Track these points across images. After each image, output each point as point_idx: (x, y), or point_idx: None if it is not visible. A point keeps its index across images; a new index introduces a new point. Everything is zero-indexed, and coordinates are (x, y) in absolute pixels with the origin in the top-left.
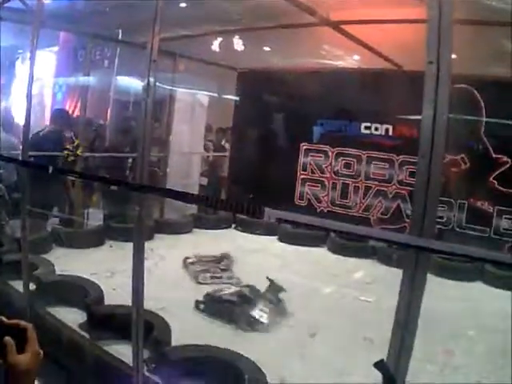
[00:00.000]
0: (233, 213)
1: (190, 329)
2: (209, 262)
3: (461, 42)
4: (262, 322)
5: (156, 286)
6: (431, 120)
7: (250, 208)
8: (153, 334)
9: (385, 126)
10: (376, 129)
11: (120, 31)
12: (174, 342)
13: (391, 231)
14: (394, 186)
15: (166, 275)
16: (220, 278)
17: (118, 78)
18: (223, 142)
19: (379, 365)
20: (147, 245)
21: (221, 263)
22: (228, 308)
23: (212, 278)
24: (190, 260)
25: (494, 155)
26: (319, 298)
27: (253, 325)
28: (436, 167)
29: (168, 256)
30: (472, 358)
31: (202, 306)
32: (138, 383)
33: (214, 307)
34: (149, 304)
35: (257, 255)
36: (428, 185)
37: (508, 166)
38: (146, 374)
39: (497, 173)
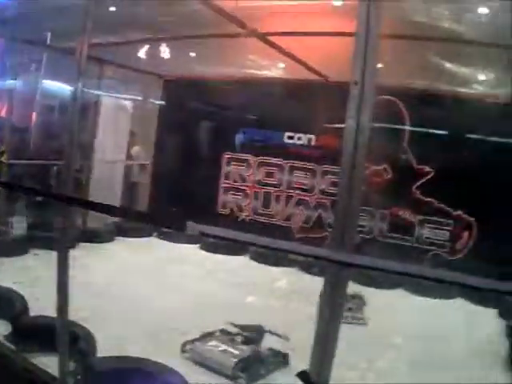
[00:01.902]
0: (156, 226)
1: (114, 338)
2: None
3: (387, 55)
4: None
5: (80, 296)
6: (354, 134)
7: (173, 221)
8: (78, 345)
9: (308, 136)
10: (299, 138)
11: (48, 35)
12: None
13: (313, 240)
14: (315, 196)
15: (90, 284)
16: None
17: (45, 82)
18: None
19: (302, 375)
20: (71, 253)
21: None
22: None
23: None
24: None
25: (416, 165)
26: (241, 307)
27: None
28: (358, 178)
29: (91, 265)
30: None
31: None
32: None
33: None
34: (73, 314)
35: (179, 265)
36: (349, 195)
37: (430, 176)
38: None
39: (419, 183)
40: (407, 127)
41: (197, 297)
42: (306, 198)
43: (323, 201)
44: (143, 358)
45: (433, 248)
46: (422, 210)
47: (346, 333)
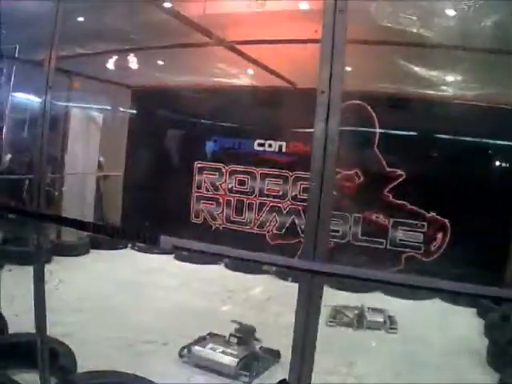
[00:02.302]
0: (130, 241)
1: (93, 352)
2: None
3: (355, 60)
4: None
5: (58, 311)
6: (322, 140)
7: (146, 236)
8: (58, 362)
9: (278, 143)
10: (269, 145)
11: (17, 48)
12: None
13: (287, 246)
14: (288, 202)
15: (67, 298)
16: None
17: (15, 95)
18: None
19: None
20: (46, 268)
21: None
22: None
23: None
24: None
25: (387, 169)
26: (217, 315)
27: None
28: (328, 183)
29: (67, 279)
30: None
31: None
32: None
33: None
34: (52, 330)
35: (155, 275)
36: (320, 200)
37: (402, 179)
38: None
39: (391, 186)
40: (377, 131)
41: (172, 307)
42: (279, 205)
43: (296, 207)
44: (123, 372)
45: (407, 250)
46: (394, 213)
47: (325, 336)
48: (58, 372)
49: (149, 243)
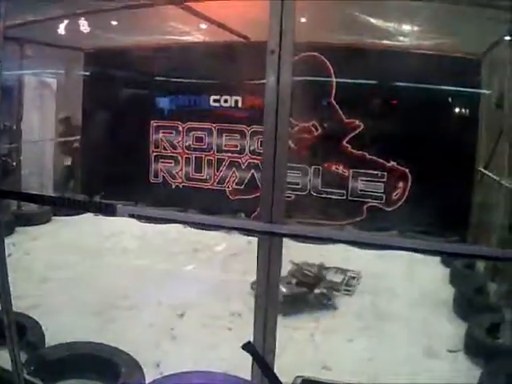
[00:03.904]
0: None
1: (62, 323)
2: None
3: (311, 11)
4: None
5: (23, 283)
6: (274, 89)
7: (103, 206)
8: (26, 337)
9: (234, 98)
10: (225, 101)
11: None
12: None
13: (247, 201)
14: (246, 157)
15: (32, 270)
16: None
17: None
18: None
19: (247, 346)
20: (9, 240)
21: None
22: None
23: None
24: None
25: (345, 120)
26: (182, 275)
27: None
28: (282, 134)
29: (31, 249)
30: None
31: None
32: None
33: None
34: (18, 304)
35: (117, 238)
36: (275, 152)
37: (360, 129)
38: (27, 377)
39: (349, 137)
40: (333, 81)
41: (137, 270)
42: (238, 160)
43: (255, 161)
44: (94, 343)
45: (369, 200)
46: (354, 163)
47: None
48: (27, 347)
49: (105, 213)
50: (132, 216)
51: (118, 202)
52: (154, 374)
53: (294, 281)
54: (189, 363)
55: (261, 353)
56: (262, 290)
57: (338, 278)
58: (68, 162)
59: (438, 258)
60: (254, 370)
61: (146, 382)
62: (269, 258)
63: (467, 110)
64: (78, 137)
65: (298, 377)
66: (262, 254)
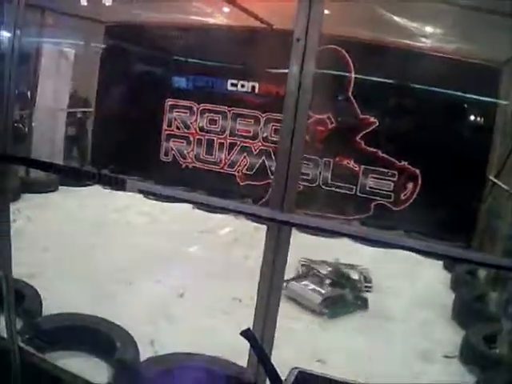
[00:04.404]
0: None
1: (62, 293)
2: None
3: (336, 4)
4: None
5: (25, 251)
6: (297, 79)
7: (113, 179)
8: (24, 304)
9: (251, 84)
10: (242, 86)
11: None
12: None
13: (256, 187)
14: (259, 143)
15: (35, 238)
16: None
17: None
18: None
19: (245, 333)
20: (14, 206)
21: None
22: None
23: None
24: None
25: (361, 115)
26: (185, 256)
27: None
28: (300, 125)
29: (35, 217)
30: None
31: None
32: (15, 355)
33: None
34: (18, 271)
35: (123, 213)
36: (292, 142)
37: (374, 126)
38: (22, 345)
39: (363, 133)
40: (352, 76)
41: (140, 246)
42: (250, 146)
43: (266, 148)
44: (89, 315)
45: (377, 198)
46: (366, 160)
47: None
48: (23, 315)
49: (115, 187)
50: (141, 192)
51: (126, 177)
52: (148, 352)
53: (327, 281)
54: (183, 344)
55: (259, 341)
56: (267, 278)
57: (354, 275)
58: (72, 132)
59: (440, 262)
60: (250, 358)
61: (141, 358)
62: (276, 247)
63: (483, 118)
64: (84, 109)
65: (294, 368)
66: (269, 242)
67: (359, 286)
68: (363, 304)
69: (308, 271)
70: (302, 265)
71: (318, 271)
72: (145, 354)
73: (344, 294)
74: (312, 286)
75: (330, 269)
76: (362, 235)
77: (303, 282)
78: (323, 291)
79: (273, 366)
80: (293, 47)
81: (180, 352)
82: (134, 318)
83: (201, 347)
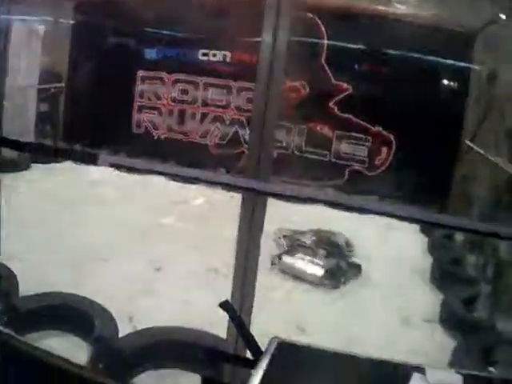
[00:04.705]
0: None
1: (37, 272)
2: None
3: None
4: None
5: None
6: (270, 47)
7: (85, 154)
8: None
9: (223, 53)
10: (214, 55)
11: None
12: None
13: (229, 156)
14: (231, 112)
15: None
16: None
17: None
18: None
19: (223, 305)
20: None
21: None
22: None
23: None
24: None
25: (334, 82)
26: (161, 229)
27: None
28: (274, 92)
29: (7, 196)
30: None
31: None
32: None
33: None
34: None
35: (97, 188)
36: (266, 109)
37: (348, 92)
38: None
39: (336, 99)
40: (325, 42)
41: (115, 221)
42: (222, 115)
43: (239, 117)
44: (67, 293)
45: (351, 163)
46: (339, 125)
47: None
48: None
49: (87, 162)
50: (112, 166)
51: (99, 151)
52: (127, 328)
53: (321, 251)
54: (163, 318)
55: (238, 312)
56: (243, 248)
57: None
58: (45, 108)
59: (417, 226)
60: (229, 329)
61: (120, 335)
62: (251, 216)
63: (457, 83)
64: (55, 84)
65: (274, 338)
66: (244, 212)
67: (347, 253)
68: (358, 271)
69: (292, 242)
70: (284, 236)
71: (304, 242)
72: (124, 330)
73: (340, 263)
74: (308, 258)
75: (314, 238)
76: (339, 202)
77: (298, 255)
78: (322, 263)
79: (252, 336)
80: (265, 15)
81: (158, 326)
82: (111, 295)
83: (180, 320)
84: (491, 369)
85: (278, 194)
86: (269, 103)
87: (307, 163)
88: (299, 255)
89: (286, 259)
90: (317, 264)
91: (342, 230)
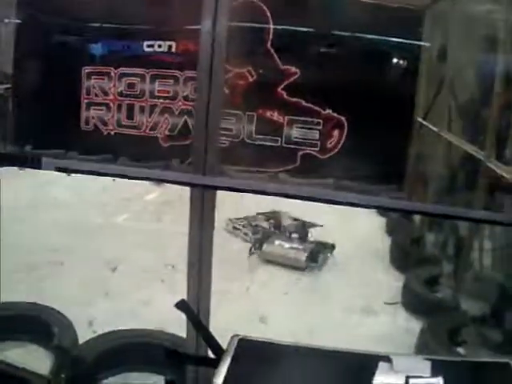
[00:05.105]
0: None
1: None
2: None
3: None
4: None
5: None
6: (210, 34)
7: (28, 159)
8: None
9: (168, 43)
10: (159, 46)
11: None
12: None
13: (181, 147)
14: (179, 103)
15: None
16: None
17: None
18: None
19: (180, 305)
20: None
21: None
22: None
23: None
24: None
25: (281, 66)
26: (114, 227)
27: None
28: (217, 81)
29: None
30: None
31: None
32: None
33: None
34: None
35: (48, 187)
36: (209, 99)
37: (296, 76)
38: None
39: (285, 83)
40: (271, 27)
41: (69, 222)
42: (170, 106)
43: (187, 107)
44: (25, 303)
45: (303, 148)
46: (289, 110)
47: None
48: None
49: (31, 166)
50: (58, 170)
51: (48, 152)
52: (87, 333)
53: (294, 235)
54: (123, 320)
55: (195, 310)
56: (195, 244)
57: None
58: None
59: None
60: (188, 327)
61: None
62: (202, 211)
63: (407, 61)
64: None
65: (235, 336)
66: (194, 207)
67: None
68: (332, 249)
69: (246, 226)
70: (235, 228)
71: (262, 226)
72: (84, 335)
73: (316, 245)
74: (288, 245)
75: (272, 221)
76: (290, 192)
77: (276, 242)
78: (301, 247)
79: (211, 335)
80: (204, 2)
81: (119, 330)
82: (69, 300)
83: (140, 321)
84: (459, 349)
85: (226, 187)
86: (212, 92)
87: (259, 150)
88: (278, 242)
89: (267, 248)
90: (296, 248)
91: (295, 211)
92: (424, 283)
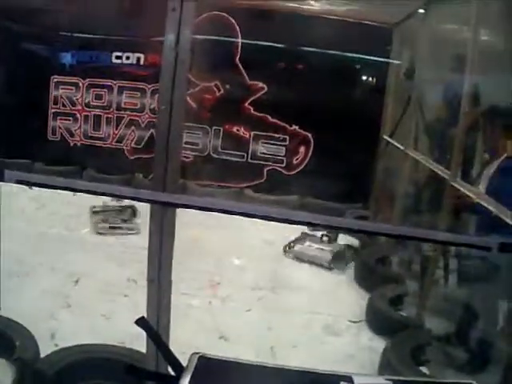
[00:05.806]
0: None
1: None
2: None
3: None
4: None
5: None
6: (173, 48)
7: None
8: None
9: (136, 55)
10: (127, 58)
11: None
12: None
13: (146, 160)
14: (146, 115)
15: None
16: (120, 228)
17: None
18: None
19: (140, 322)
20: None
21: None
22: None
23: (111, 228)
24: (95, 209)
25: (249, 81)
26: (77, 240)
27: None
28: (179, 96)
29: None
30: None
31: None
32: None
33: None
34: None
35: (12, 199)
36: (171, 113)
37: (263, 92)
38: None
39: (252, 99)
40: (239, 42)
41: (33, 234)
42: (137, 118)
43: (154, 120)
44: None
45: (269, 163)
46: (256, 126)
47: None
48: None
49: None
50: (19, 182)
51: (13, 161)
52: (48, 346)
53: (324, 238)
54: (84, 333)
55: (155, 327)
56: (155, 261)
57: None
58: None
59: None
60: (148, 343)
61: (41, 354)
62: (161, 228)
63: (375, 79)
64: None
65: (195, 353)
66: (154, 223)
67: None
68: (355, 252)
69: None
70: None
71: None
72: (46, 349)
73: (341, 247)
74: (316, 246)
75: None
76: (250, 212)
77: (307, 243)
78: (328, 248)
79: (171, 352)
80: (167, 17)
81: (79, 344)
82: (30, 312)
83: (101, 335)
84: (422, 368)
85: (185, 205)
86: (174, 107)
87: (225, 165)
88: (308, 243)
89: (297, 248)
90: (324, 250)
91: (258, 233)
92: (388, 302)
